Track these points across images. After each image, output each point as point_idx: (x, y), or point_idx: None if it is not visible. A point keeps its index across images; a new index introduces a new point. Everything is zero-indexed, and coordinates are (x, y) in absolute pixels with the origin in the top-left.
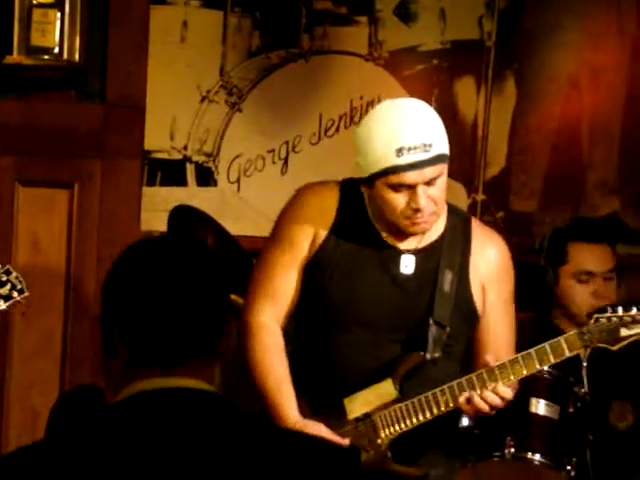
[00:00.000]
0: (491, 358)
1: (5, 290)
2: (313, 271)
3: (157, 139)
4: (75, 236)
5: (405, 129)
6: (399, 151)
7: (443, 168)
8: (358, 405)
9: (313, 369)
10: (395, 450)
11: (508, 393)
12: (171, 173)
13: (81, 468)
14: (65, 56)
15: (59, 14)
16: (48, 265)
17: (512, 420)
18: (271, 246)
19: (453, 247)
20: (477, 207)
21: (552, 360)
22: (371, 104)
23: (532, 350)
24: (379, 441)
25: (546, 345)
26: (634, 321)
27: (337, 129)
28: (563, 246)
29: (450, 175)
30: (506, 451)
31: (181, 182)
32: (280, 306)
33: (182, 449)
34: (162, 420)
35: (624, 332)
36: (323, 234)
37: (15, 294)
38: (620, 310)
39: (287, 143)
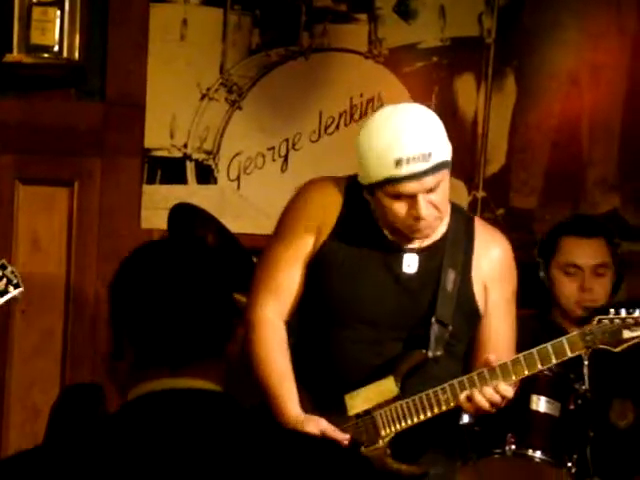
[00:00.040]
0: (493, 357)
1: (1, 285)
2: (316, 267)
3: (157, 137)
4: (75, 234)
5: (403, 139)
6: (398, 162)
7: (444, 175)
8: (359, 402)
9: (315, 364)
10: (395, 448)
11: (509, 391)
12: (171, 171)
13: (91, 470)
14: (65, 54)
15: (59, 12)
16: (48, 263)
17: (513, 417)
18: (275, 241)
19: (456, 246)
20: (477, 204)
21: (554, 361)
22: (371, 101)
23: (534, 350)
24: (379, 438)
25: (548, 345)
26: (637, 323)
27: (337, 126)
28: (556, 240)
29: (450, 173)
30: (507, 448)
31: (181, 180)
32: (283, 301)
33: (192, 450)
34: (172, 421)
35: (626, 334)
36: (327, 230)
37: (11, 289)
38: (623, 312)
39: (287, 141)
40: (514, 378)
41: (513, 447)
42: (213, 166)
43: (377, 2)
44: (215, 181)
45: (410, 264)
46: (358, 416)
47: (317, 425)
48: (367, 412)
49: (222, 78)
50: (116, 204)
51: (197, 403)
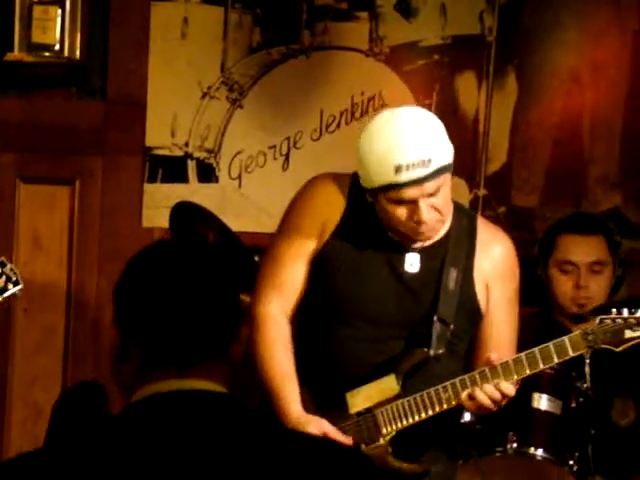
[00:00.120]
0: (494, 356)
1: (0, 282)
2: (320, 264)
3: (158, 136)
4: (76, 232)
5: (402, 146)
6: (397, 169)
7: (445, 179)
8: (360, 400)
9: (316, 362)
10: (396, 446)
11: (510, 390)
12: (172, 170)
13: (95, 472)
14: (66, 53)
15: (60, 11)
16: (49, 262)
17: (514, 415)
18: (279, 238)
19: (458, 245)
20: (479, 202)
21: (555, 360)
22: (372, 100)
23: (536, 349)
24: (380, 437)
25: (550, 345)
26: (639, 323)
27: (338, 125)
28: (554, 237)
29: (452, 171)
30: (508, 446)
31: (182, 179)
32: (287, 297)
33: (197, 452)
34: (177, 423)
35: (629, 334)
36: (331, 227)
37: (10, 286)
38: (625, 312)
39: (288, 139)
40: (515, 377)
41: (515, 445)
42: (214, 165)
43: (378, 0)
44: (216, 180)
45: (412, 263)
46: (359, 414)
47: (319, 426)
48: (368, 410)
49: (223, 77)
50: (117, 203)
51: (203, 405)
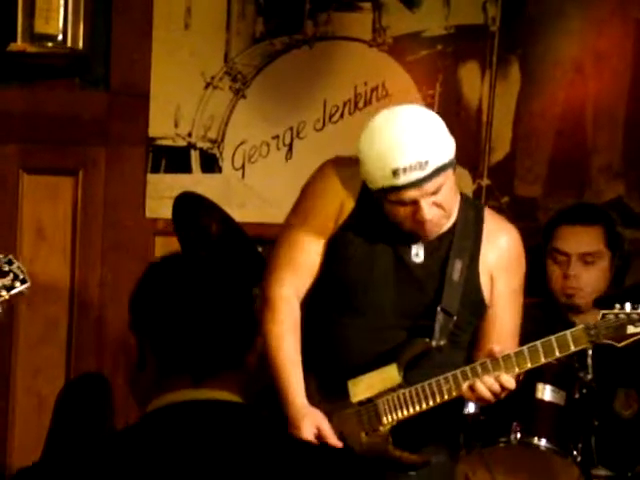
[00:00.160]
0: (497, 348)
1: (7, 280)
2: (333, 249)
3: (161, 126)
4: (80, 223)
5: (399, 149)
6: (395, 172)
7: (445, 177)
8: (362, 388)
9: (320, 347)
10: (397, 436)
11: (511, 383)
12: (176, 160)
13: None
14: (69, 43)
15: (63, 1)
16: (53, 252)
17: (518, 406)
18: (293, 218)
19: (464, 236)
20: (482, 192)
21: (557, 354)
22: (375, 90)
23: (538, 343)
24: (381, 426)
25: (552, 339)
26: None
27: (341, 115)
28: (553, 228)
29: (454, 166)
30: (512, 436)
31: (186, 169)
32: (300, 278)
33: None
34: (192, 433)
35: (631, 329)
36: (346, 212)
37: (18, 284)
38: (628, 307)
39: (291, 129)
40: (517, 370)
41: (518, 435)
42: (218, 155)
43: None
44: (220, 170)
45: (418, 253)
46: (361, 403)
47: (314, 420)
48: (369, 400)
49: (226, 67)
50: (120, 193)
51: (218, 415)
